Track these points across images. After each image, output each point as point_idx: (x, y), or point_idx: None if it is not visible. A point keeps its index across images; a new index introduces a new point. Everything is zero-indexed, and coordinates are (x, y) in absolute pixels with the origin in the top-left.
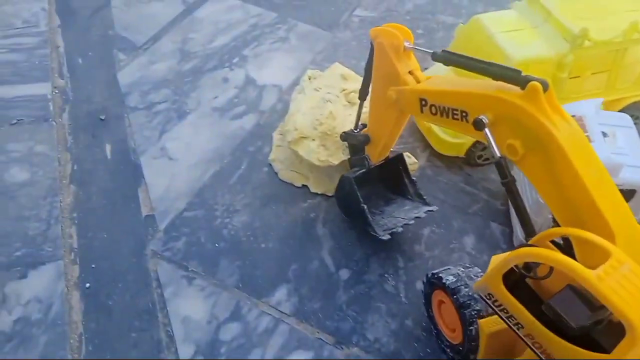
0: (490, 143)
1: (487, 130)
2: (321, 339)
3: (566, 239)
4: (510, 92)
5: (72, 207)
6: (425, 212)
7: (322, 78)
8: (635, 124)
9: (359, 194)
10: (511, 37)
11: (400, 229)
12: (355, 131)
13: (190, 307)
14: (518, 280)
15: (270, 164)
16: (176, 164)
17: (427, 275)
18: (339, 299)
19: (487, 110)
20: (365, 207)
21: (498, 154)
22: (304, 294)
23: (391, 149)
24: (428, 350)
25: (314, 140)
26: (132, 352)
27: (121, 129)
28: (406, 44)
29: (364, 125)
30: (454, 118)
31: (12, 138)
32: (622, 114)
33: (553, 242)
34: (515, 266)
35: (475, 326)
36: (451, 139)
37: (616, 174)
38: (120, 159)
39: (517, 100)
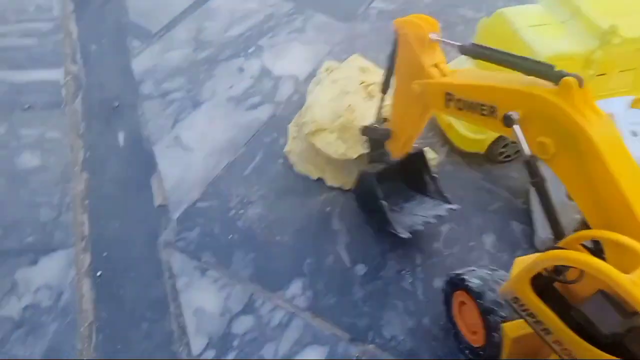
0: (520, 141)
1: (516, 127)
2: (336, 334)
3: (595, 242)
4: (543, 88)
5: (84, 194)
6: (446, 210)
7: (341, 70)
8: None
9: (378, 191)
10: (537, 32)
11: (421, 227)
12: (376, 125)
13: (203, 298)
14: (545, 284)
15: (286, 156)
16: (190, 153)
17: (449, 274)
18: (355, 294)
19: (517, 106)
20: (385, 203)
21: (528, 152)
22: (318, 289)
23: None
24: (446, 349)
25: (332, 132)
26: (144, 342)
27: (134, 117)
28: (432, 35)
29: (385, 120)
30: (481, 114)
31: (24, 123)
32: None
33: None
34: (544, 269)
35: (499, 332)
36: (472, 134)
37: None
38: (133, 147)
39: (550, 96)
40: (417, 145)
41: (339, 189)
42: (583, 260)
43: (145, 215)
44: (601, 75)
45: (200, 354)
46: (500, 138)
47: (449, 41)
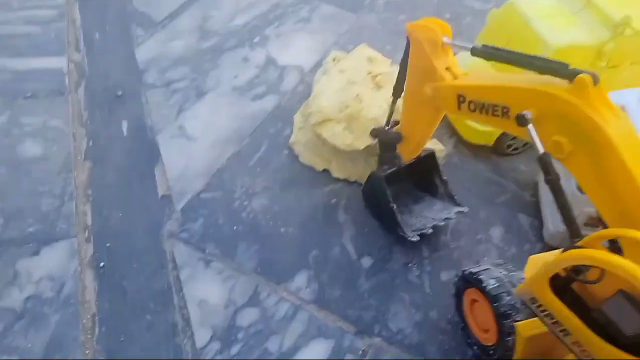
0: (534, 140)
1: (530, 126)
2: (342, 327)
3: (611, 241)
4: (557, 86)
5: (87, 183)
6: (455, 213)
7: (348, 60)
8: None
9: (389, 193)
10: (549, 23)
11: (429, 230)
12: (387, 128)
13: (207, 290)
14: (563, 285)
15: (291, 147)
16: (194, 143)
17: (463, 271)
18: (361, 287)
19: (531, 105)
20: (395, 206)
21: (542, 151)
22: (324, 281)
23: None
24: (453, 343)
25: (339, 123)
26: (147, 334)
27: (138, 106)
28: (444, 39)
29: (395, 122)
30: (494, 114)
31: (27, 111)
32: None
33: None
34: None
35: (514, 337)
36: (480, 127)
37: None
38: (136, 136)
39: (565, 94)
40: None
41: (345, 180)
42: (607, 259)
43: (148, 205)
44: (613, 67)
45: (205, 346)
46: None
47: (461, 44)
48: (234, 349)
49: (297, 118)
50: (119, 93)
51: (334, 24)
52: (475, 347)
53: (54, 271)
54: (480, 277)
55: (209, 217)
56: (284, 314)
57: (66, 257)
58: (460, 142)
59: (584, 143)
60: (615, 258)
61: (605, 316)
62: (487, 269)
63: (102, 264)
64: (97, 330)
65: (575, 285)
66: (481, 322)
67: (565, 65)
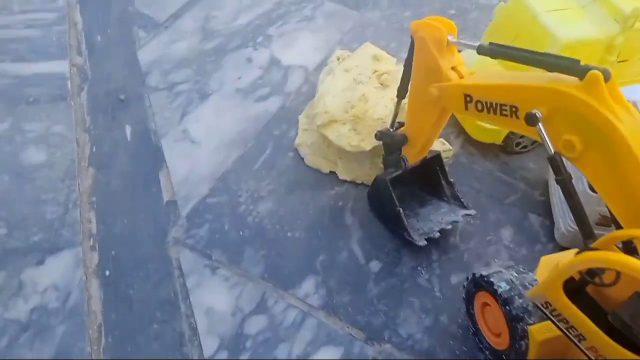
0: (545, 140)
1: (540, 125)
2: (351, 334)
3: (625, 242)
4: (568, 84)
5: (91, 190)
6: (462, 216)
7: (352, 58)
8: None
9: (394, 197)
10: (557, 17)
11: (437, 234)
12: (392, 130)
13: (214, 298)
14: (577, 288)
15: (296, 149)
16: (198, 147)
17: (474, 274)
18: (370, 292)
19: (540, 103)
20: (402, 210)
21: (552, 151)
22: (332, 287)
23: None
24: (464, 348)
25: (344, 124)
26: (154, 344)
27: (141, 110)
28: (450, 37)
29: (400, 124)
30: (502, 114)
31: (29, 117)
32: None
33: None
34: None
35: (526, 341)
36: (488, 125)
37: None
38: (140, 141)
39: (576, 91)
40: (432, 148)
41: (352, 182)
42: (623, 261)
43: (153, 211)
44: (623, 61)
45: (212, 355)
46: None
47: (467, 42)
48: (243, 358)
49: (302, 119)
50: (122, 97)
51: (337, 21)
52: (487, 352)
53: (59, 281)
54: (491, 279)
55: (215, 223)
56: (292, 321)
57: (71, 266)
58: (467, 141)
59: (597, 142)
60: (631, 260)
61: (621, 320)
62: (498, 271)
63: (107, 273)
64: (103, 340)
65: (589, 289)
66: (493, 326)
67: (576, 62)
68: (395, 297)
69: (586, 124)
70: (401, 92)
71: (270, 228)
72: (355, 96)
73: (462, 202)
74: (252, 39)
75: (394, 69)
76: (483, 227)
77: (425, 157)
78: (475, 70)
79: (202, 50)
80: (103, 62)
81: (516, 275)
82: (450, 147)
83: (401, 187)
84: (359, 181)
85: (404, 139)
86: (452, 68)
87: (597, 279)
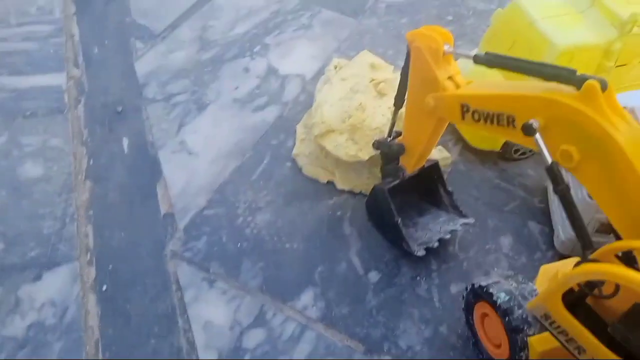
0: (542, 150)
1: (538, 135)
2: (350, 346)
3: (624, 252)
4: (564, 93)
5: (88, 204)
6: (461, 225)
7: (350, 67)
8: None
9: (393, 207)
10: (555, 23)
11: (435, 244)
12: (389, 139)
13: (211, 311)
14: (577, 299)
15: (294, 159)
16: (196, 158)
17: (472, 284)
18: (369, 303)
19: (537, 113)
20: (400, 220)
21: (550, 161)
22: (331, 298)
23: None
24: (464, 359)
25: (342, 133)
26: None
27: (139, 122)
28: (446, 47)
29: (397, 133)
30: (499, 124)
31: (26, 131)
32: None
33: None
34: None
35: (526, 352)
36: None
37: None
38: (137, 153)
39: (573, 101)
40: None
41: (350, 192)
42: (622, 274)
43: (151, 224)
44: (621, 66)
45: None
46: None
47: (463, 52)
48: None
49: (300, 129)
50: (119, 109)
51: (334, 29)
52: None
53: (56, 297)
54: (490, 290)
55: (213, 235)
56: (290, 334)
57: (68, 282)
58: (465, 148)
59: (594, 152)
60: (630, 273)
61: (621, 332)
62: (497, 281)
63: (104, 288)
64: (100, 356)
65: (589, 300)
66: (493, 337)
67: (572, 72)
68: (394, 308)
69: (583, 134)
70: (398, 102)
71: (269, 239)
72: (353, 105)
73: (460, 211)
74: (249, 48)
75: (391, 77)
76: (482, 236)
77: (424, 166)
78: (473, 78)
79: (200, 60)
80: (100, 74)
81: (516, 285)
82: (449, 155)
83: (399, 197)
84: (357, 190)
85: (402, 149)
86: (449, 78)
87: (596, 291)
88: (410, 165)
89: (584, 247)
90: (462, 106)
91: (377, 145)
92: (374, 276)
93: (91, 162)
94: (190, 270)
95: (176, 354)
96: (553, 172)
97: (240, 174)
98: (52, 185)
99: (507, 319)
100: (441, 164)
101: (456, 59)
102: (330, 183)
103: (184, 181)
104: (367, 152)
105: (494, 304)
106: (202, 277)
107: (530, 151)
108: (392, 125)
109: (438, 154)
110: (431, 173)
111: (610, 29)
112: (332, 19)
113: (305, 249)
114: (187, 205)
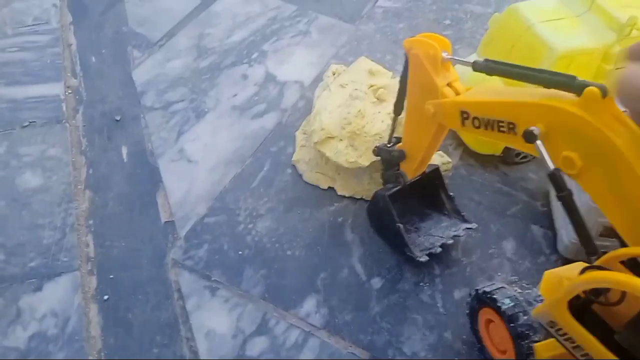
0: (544, 156)
1: (539, 142)
2: (354, 353)
3: (630, 258)
4: (564, 100)
5: (88, 214)
6: (464, 230)
7: (348, 73)
8: None
9: (394, 213)
10: (553, 27)
11: (438, 250)
12: (389, 146)
13: (214, 320)
14: (583, 306)
15: (294, 165)
16: (195, 166)
17: (476, 290)
18: (372, 310)
19: (538, 120)
20: (402, 226)
21: (552, 168)
22: (334, 305)
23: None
24: None
25: (341, 140)
26: None
27: (137, 131)
28: (444, 54)
29: (397, 139)
30: (500, 131)
31: (24, 141)
32: None
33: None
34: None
35: (532, 358)
36: None
37: None
38: (137, 162)
39: (573, 108)
40: (431, 161)
41: (351, 198)
42: (628, 282)
43: (151, 233)
44: (620, 69)
45: None
46: None
47: (461, 60)
48: None
49: (299, 136)
50: (118, 118)
51: (332, 35)
52: None
53: (57, 307)
54: (494, 296)
55: (214, 243)
56: (294, 342)
57: (69, 292)
58: (466, 152)
59: (596, 158)
60: (637, 280)
61: (627, 339)
62: (501, 287)
63: (106, 297)
64: None
65: (596, 306)
66: (498, 343)
67: (572, 78)
68: (398, 314)
69: (585, 140)
70: (397, 109)
71: (270, 247)
72: (352, 112)
73: (462, 216)
74: (247, 55)
75: (390, 82)
76: (485, 240)
77: (424, 171)
78: (472, 83)
79: (197, 68)
80: (98, 83)
81: (520, 291)
82: (449, 160)
83: (401, 202)
84: (358, 196)
85: (402, 155)
86: (448, 84)
87: (602, 298)
88: (411, 171)
89: (589, 253)
90: (462, 113)
91: (377, 151)
92: (376, 282)
93: (90, 171)
94: (192, 279)
95: None
96: (555, 178)
97: (241, 181)
98: (51, 195)
99: (512, 325)
100: (442, 168)
101: (454, 64)
102: (331, 189)
103: (184, 189)
104: (367, 159)
105: (498, 310)
106: (204, 285)
107: (532, 155)
108: (392, 131)
109: (439, 158)
110: (432, 178)
111: (608, 32)
112: (329, 25)
113: (307, 256)
114: (187, 213)
